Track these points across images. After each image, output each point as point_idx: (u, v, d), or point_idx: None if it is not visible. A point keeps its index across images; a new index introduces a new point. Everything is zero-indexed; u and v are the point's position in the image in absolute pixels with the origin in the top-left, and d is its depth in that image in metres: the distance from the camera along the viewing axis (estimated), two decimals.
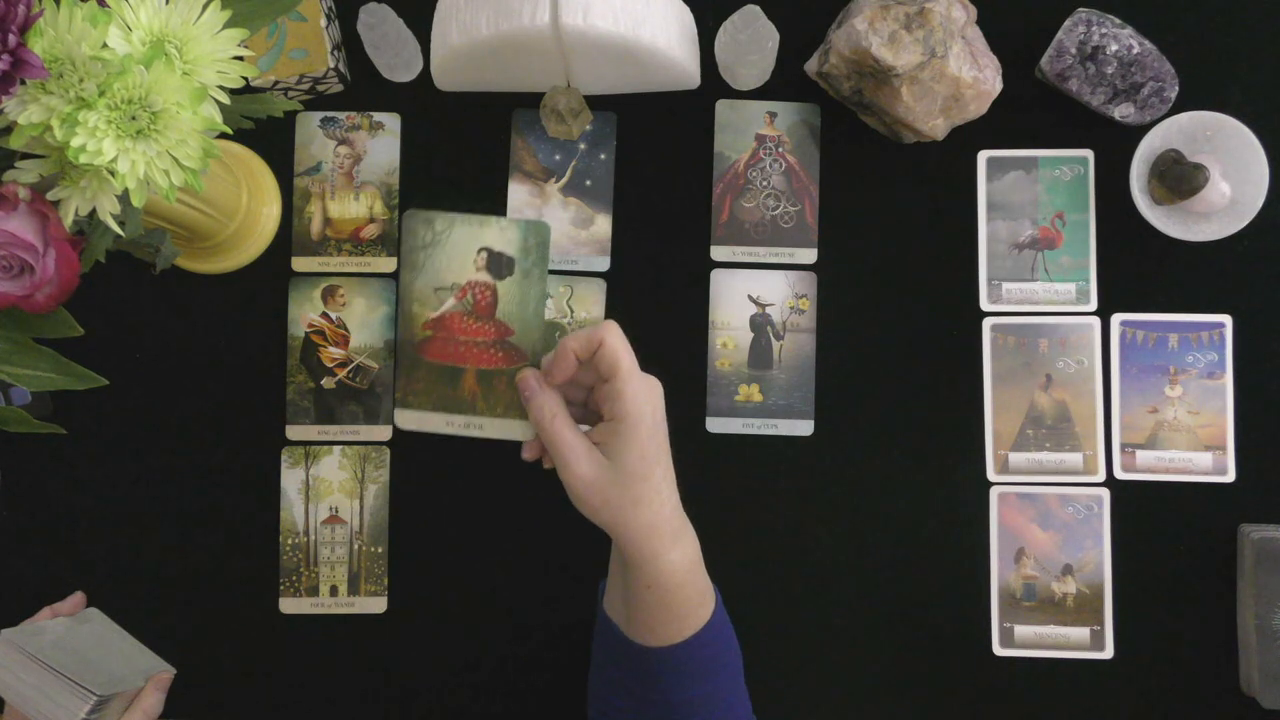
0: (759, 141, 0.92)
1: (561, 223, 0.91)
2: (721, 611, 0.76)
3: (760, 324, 0.91)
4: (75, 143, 0.59)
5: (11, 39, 0.58)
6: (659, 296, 0.91)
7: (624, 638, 0.74)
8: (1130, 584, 0.88)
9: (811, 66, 0.88)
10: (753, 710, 0.79)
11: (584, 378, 0.71)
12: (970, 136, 0.90)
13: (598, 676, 0.78)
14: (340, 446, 0.91)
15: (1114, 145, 0.89)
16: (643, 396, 0.68)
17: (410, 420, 0.73)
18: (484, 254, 0.70)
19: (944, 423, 0.90)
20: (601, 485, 0.68)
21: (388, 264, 0.92)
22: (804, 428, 0.90)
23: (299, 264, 0.92)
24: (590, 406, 0.73)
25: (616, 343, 0.68)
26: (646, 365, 0.70)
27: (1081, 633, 0.88)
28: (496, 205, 0.92)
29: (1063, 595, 0.88)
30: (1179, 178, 0.84)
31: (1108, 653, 0.88)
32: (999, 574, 0.89)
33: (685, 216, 0.92)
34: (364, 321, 0.91)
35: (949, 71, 0.83)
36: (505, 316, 0.71)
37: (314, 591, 0.90)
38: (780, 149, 0.92)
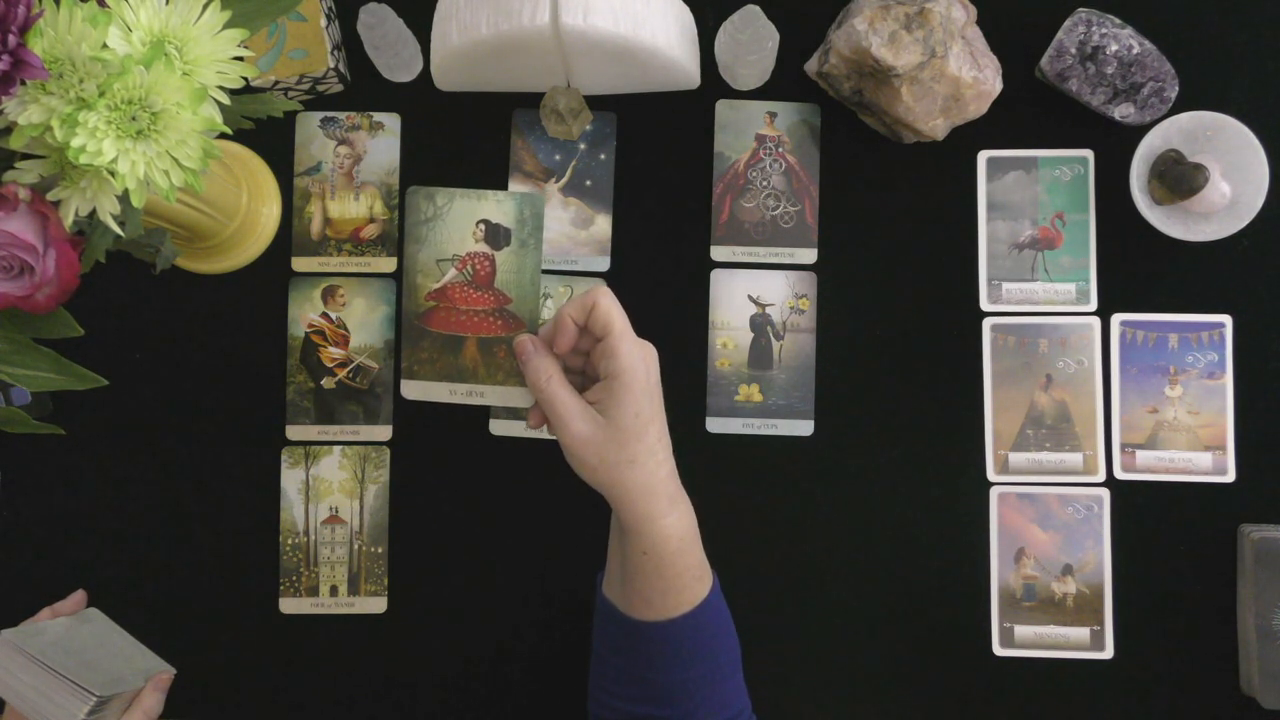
0: (759, 141, 0.92)
1: (561, 223, 0.91)
2: (719, 596, 0.76)
3: (760, 324, 0.91)
4: (75, 143, 0.59)
5: (11, 39, 0.58)
6: (659, 296, 0.91)
7: (621, 616, 0.74)
8: (1130, 584, 0.88)
9: (811, 66, 0.88)
10: (752, 709, 0.79)
11: (582, 344, 0.73)
12: (970, 136, 0.89)
13: (597, 667, 0.78)
14: (340, 446, 0.91)
15: (1114, 145, 0.89)
16: (636, 354, 0.70)
17: (415, 390, 0.76)
18: (482, 226, 0.74)
19: (944, 423, 0.90)
20: (597, 444, 0.69)
21: (388, 264, 0.92)
22: (804, 428, 0.90)
23: (299, 264, 0.92)
24: (589, 374, 0.74)
25: (609, 303, 0.70)
26: None
27: (1081, 633, 0.88)
28: None
29: (1063, 595, 0.88)
30: (1179, 178, 0.84)
31: (1108, 653, 0.88)
32: (999, 574, 0.89)
33: (685, 216, 0.92)
34: (364, 321, 0.91)
35: (949, 71, 0.83)
36: (503, 285, 0.74)
37: (314, 591, 0.90)
38: (780, 149, 0.92)
